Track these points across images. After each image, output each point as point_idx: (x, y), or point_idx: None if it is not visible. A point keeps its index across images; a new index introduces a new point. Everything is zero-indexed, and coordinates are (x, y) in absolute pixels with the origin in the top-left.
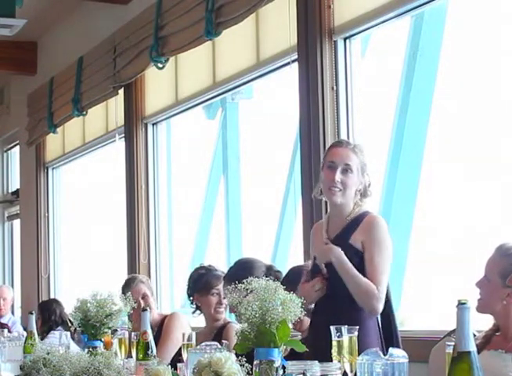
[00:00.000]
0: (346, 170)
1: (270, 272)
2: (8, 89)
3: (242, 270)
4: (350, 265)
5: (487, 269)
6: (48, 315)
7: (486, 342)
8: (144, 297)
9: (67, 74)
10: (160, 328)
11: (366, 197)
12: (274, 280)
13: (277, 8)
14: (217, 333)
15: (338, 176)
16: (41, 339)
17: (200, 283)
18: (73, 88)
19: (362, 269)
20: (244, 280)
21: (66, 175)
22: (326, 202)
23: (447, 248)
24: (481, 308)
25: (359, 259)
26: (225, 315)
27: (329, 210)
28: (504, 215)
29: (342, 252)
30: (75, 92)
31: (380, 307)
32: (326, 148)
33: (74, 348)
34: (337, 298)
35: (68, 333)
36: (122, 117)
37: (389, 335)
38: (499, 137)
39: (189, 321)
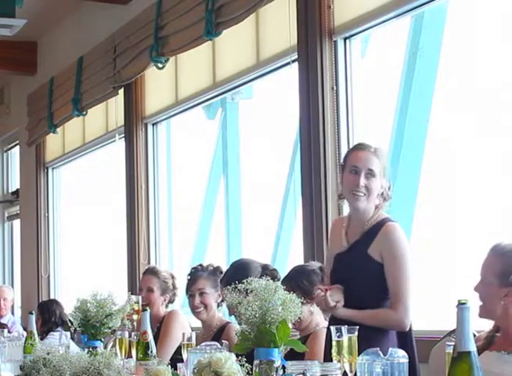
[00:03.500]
0: (369, 174)
1: (266, 271)
2: (8, 89)
3: (239, 272)
4: (358, 315)
5: (482, 272)
6: (48, 316)
7: (488, 343)
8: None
9: (67, 74)
10: (161, 325)
11: (387, 200)
12: (273, 280)
13: (277, 8)
14: (215, 334)
15: (363, 181)
16: (41, 340)
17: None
18: (73, 88)
19: (381, 277)
20: (243, 281)
21: (66, 175)
22: (326, 203)
23: (447, 248)
24: (483, 313)
25: (378, 269)
26: (214, 313)
27: (350, 213)
28: (504, 215)
29: (344, 311)
30: (75, 92)
31: (406, 322)
32: (347, 150)
33: (74, 348)
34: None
35: (68, 333)
36: (122, 117)
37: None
38: (499, 136)
39: (189, 320)
